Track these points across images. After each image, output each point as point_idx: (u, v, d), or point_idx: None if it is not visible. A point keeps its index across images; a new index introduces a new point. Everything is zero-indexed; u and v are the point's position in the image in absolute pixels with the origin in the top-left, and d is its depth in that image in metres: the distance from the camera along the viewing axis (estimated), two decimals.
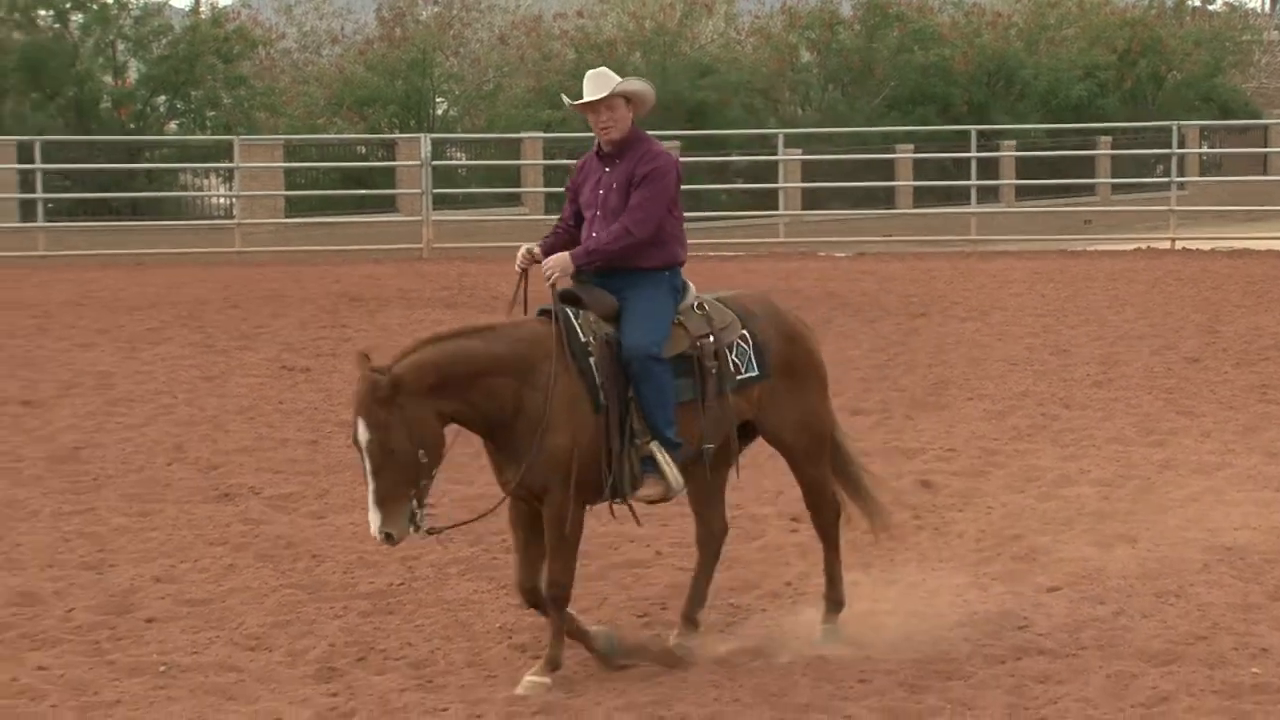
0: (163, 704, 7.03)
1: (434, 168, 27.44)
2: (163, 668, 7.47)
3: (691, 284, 7.63)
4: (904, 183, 32.73)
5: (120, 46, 33.32)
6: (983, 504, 10.31)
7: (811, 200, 31.61)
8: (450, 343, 7.12)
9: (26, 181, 27.23)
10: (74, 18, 32.70)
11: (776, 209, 29.34)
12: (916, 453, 11.76)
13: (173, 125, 33.94)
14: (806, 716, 6.85)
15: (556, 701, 7.03)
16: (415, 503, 6.93)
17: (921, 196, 33.06)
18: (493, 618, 8.18)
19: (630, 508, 7.47)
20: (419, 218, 27.20)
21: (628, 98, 7.44)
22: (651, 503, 7.48)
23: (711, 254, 26.42)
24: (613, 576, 8.87)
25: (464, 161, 33.48)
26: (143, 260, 25.73)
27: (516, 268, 7.58)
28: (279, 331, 18.07)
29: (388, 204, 30.21)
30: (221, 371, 15.47)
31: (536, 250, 7.61)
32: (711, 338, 7.46)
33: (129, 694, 7.14)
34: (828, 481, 7.91)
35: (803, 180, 31.21)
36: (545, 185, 30.32)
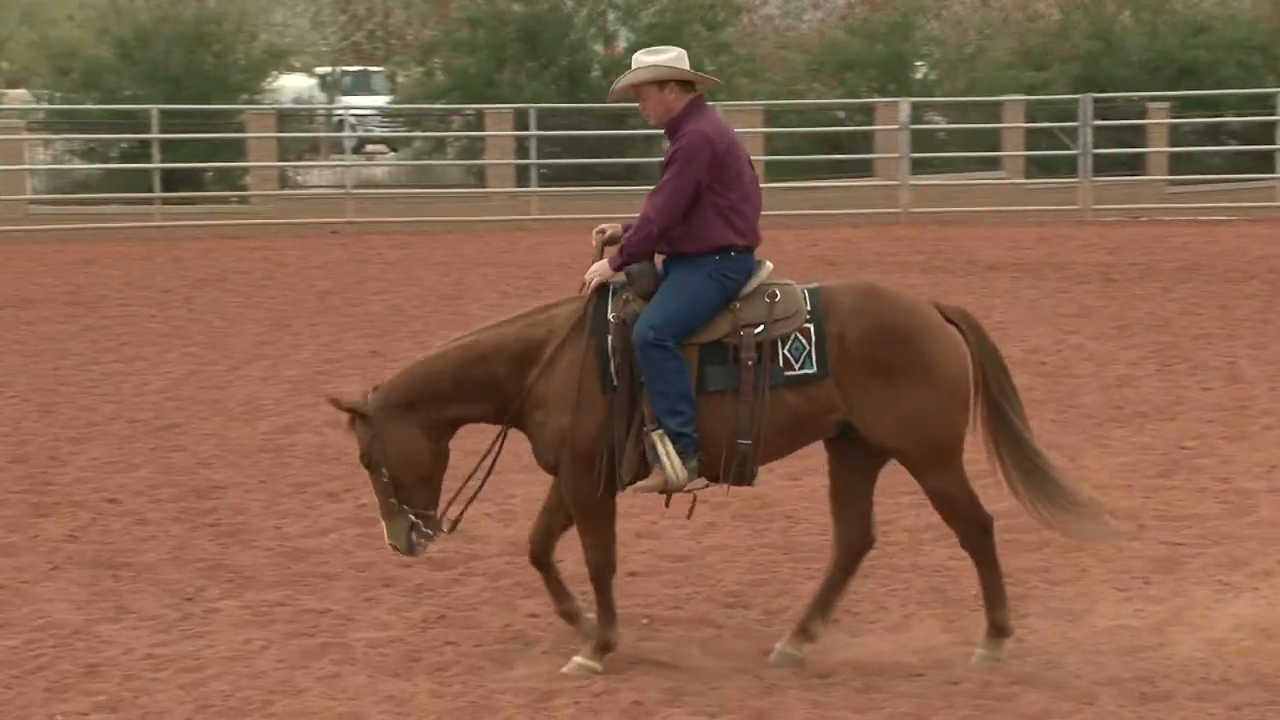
0: (644, 653, 7.24)
1: (912, 131, 27.27)
2: (645, 620, 7.69)
3: (768, 265, 7.20)
4: None
5: (611, 16, 34.34)
6: None
7: None
8: (440, 357, 7.18)
9: (522, 148, 28.44)
10: None
11: (1274, 172, 27.96)
12: None
13: None
14: None
15: (1035, 673, 6.91)
16: (413, 517, 7.09)
17: None
18: (968, 585, 8.08)
19: (693, 499, 7.20)
20: (896, 182, 27.08)
21: (660, 83, 7.11)
22: (656, 493, 7.06)
23: (1203, 218, 25.42)
24: (1089, 548, 8.65)
25: (943, 125, 33.12)
26: (628, 224, 26.44)
27: (593, 244, 7.43)
28: None
29: (865, 168, 30.17)
30: None
31: (608, 230, 7.46)
32: (761, 327, 6.95)
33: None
34: (958, 491, 7.05)
35: None
36: (1026, 149, 29.69)
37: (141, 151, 29.01)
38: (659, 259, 7.24)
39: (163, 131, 27.01)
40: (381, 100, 40.82)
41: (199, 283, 19.57)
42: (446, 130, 33.30)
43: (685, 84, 7.18)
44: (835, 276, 19.71)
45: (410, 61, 38.00)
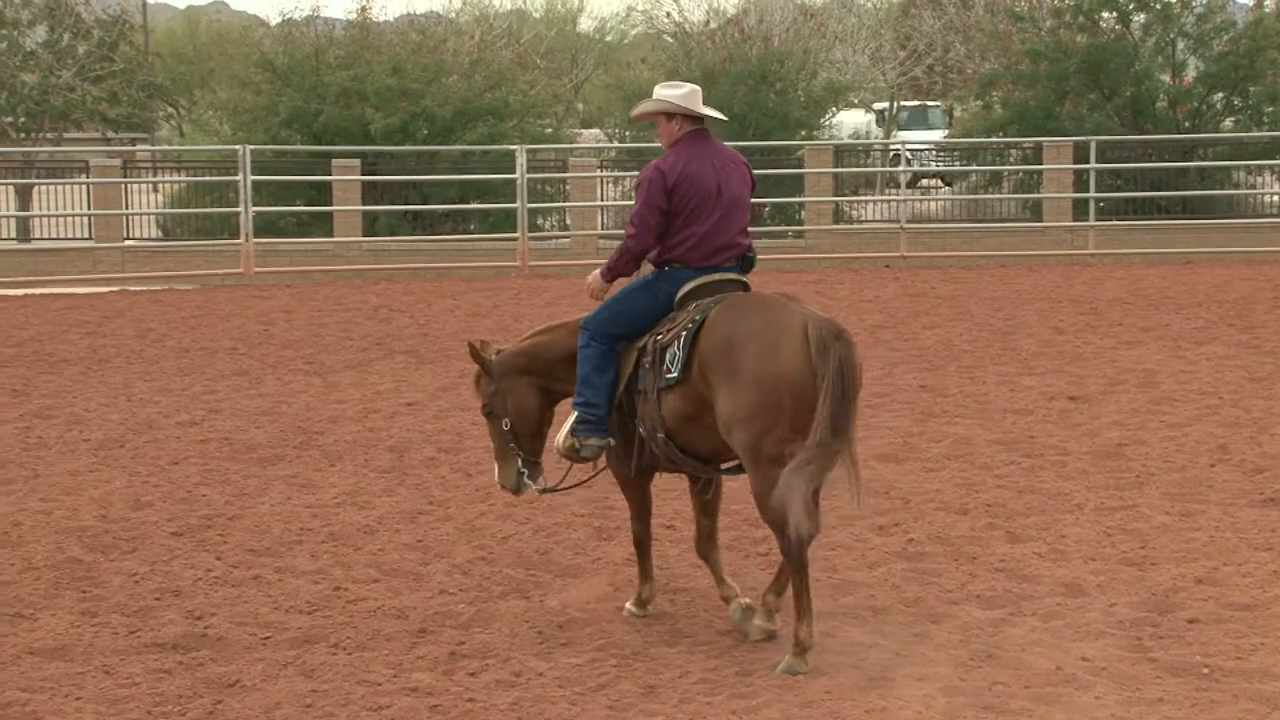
0: (1205, 707, 6.96)
1: None
2: (1205, 670, 7.39)
3: (695, 281, 7.84)
4: None
5: (1180, 45, 33.27)
6: None
7: None
8: (546, 335, 8.36)
9: (1080, 181, 27.90)
10: (1135, 18, 33.03)
11: None
12: None
13: (1228, 123, 33.46)
14: None
15: None
16: (520, 462, 8.36)
17: None
18: None
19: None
20: None
21: (668, 115, 7.96)
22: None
23: None
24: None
25: None
26: (1191, 259, 25.57)
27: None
28: None
29: None
30: (1269, 373, 15.08)
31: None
32: (661, 334, 7.80)
33: (1171, 693, 7.12)
34: (768, 492, 7.43)
35: None
36: None
37: None
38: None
39: None
40: (937, 135, 40.78)
41: None
42: (1003, 164, 33.00)
43: (694, 118, 8.00)
44: None
45: (968, 95, 37.91)
